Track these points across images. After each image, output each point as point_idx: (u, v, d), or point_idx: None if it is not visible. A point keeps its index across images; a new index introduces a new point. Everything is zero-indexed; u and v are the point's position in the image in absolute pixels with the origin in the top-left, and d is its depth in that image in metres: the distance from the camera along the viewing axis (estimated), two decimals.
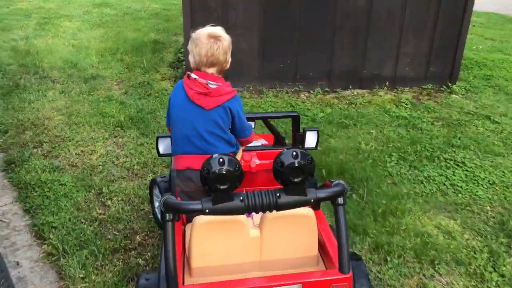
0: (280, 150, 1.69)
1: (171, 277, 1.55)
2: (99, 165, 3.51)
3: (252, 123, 2.28)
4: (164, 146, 2.34)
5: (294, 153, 1.52)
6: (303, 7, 4.81)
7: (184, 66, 4.98)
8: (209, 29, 2.05)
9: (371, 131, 4.29)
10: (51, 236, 2.70)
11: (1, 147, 3.75)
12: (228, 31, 2.10)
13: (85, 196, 3.12)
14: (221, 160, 1.48)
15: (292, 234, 1.82)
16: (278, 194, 1.55)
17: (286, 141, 2.63)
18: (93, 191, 3.17)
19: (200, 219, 1.73)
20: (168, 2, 10.59)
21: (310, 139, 2.44)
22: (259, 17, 4.81)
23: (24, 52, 6.25)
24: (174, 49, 6.80)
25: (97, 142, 3.88)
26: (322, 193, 1.63)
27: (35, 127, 4.07)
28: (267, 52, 4.99)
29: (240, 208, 1.53)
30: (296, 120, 2.49)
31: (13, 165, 3.44)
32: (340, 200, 1.66)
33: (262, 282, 1.69)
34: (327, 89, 5.22)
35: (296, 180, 1.53)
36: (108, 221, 2.88)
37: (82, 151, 3.70)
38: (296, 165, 1.50)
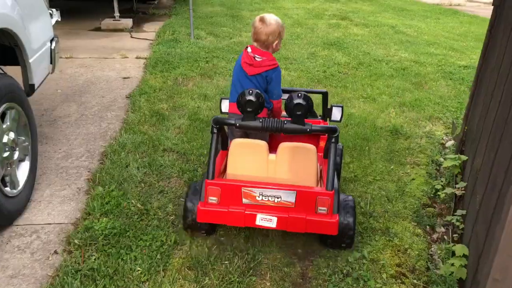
0: (311, 121, 2.76)
1: (212, 167, 2.41)
2: None
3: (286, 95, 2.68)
4: (225, 105, 3.08)
5: (299, 94, 2.29)
6: None
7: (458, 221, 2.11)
8: (264, 14, 2.75)
9: None
10: None
11: None
12: None
13: None
14: (250, 92, 2.35)
15: (298, 161, 2.52)
16: (285, 122, 2.34)
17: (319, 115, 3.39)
18: None
19: (236, 141, 2.59)
20: (421, 50, 7.59)
21: (336, 113, 3.10)
22: None
23: (199, 121, 4.38)
24: (427, 157, 3.88)
25: None
26: (317, 127, 2.43)
27: None
28: None
29: (259, 127, 2.38)
30: (325, 97, 3.24)
31: None
32: (333, 139, 2.39)
33: (272, 185, 2.38)
34: None
35: (298, 113, 2.31)
36: None
37: None
38: (299, 101, 2.28)
